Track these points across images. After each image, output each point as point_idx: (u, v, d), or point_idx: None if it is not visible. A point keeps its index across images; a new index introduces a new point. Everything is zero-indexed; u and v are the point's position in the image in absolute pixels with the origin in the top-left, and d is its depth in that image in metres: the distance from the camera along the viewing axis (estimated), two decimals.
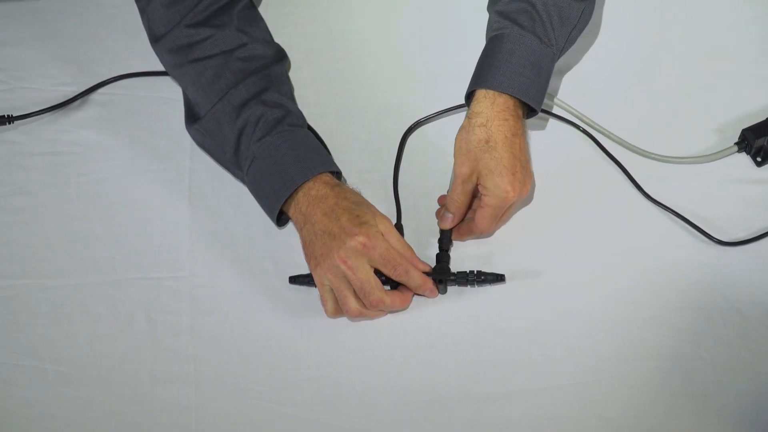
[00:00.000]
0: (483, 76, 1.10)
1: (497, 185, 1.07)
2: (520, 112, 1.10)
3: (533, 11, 1.10)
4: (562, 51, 1.14)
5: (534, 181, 1.14)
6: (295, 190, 1.08)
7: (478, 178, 1.08)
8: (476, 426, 1.04)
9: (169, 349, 1.09)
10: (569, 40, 1.15)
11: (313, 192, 1.08)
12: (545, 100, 1.23)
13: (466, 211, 1.12)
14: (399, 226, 1.14)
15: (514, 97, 1.09)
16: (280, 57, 1.18)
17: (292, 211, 1.09)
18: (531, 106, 1.10)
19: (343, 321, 1.10)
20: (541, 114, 1.22)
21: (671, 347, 1.07)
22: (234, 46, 1.14)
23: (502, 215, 1.11)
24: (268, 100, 1.12)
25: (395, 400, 1.06)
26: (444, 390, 1.06)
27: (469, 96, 1.11)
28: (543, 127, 1.22)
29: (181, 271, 1.14)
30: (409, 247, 1.08)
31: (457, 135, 1.09)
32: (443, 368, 1.07)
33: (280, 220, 1.12)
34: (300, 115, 1.14)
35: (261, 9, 1.24)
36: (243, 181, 1.13)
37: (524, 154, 1.10)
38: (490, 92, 1.08)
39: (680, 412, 1.04)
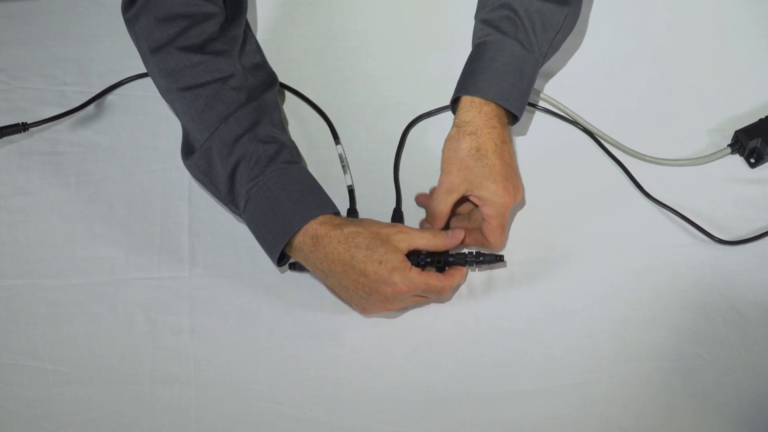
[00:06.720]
0: (466, 83, 1.10)
1: (493, 192, 1.06)
2: (506, 120, 1.10)
3: (516, 18, 1.10)
4: (546, 57, 1.14)
5: (523, 186, 1.13)
6: (294, 234, 1.04)
7: (469, 189, 1.07)
8: (476, 426, 1.04)
9: (169, 349, 1.09)
10: (552, 46, 1.14)
11: (320, 234, 1.03)
12: (544, 100, 1.23)
13: (447, 222, 1.10)
14: (399, 212, 1.14)
15: (500, 105, 1.08)
16: (271, 83, 1.15)
17: (297, 255, 1.06)
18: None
19: (342, 320, 1.10)
20: (543, 113, 1.22)
21: (671, 347, 1.07)
22: (225, 74, 1.09)
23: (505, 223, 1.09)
24: (261, 134, 1.08)
25: (395, 400, 1.06)
26: (444, 390, 1.06)
27: (454, 102, 1.11)
28: (542, 128, 1.22)
29: (181, 271, 1.14)
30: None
31: (444, 145, 1.09)
32: (443, 368, 1.07)
33: (282, 260, 1.09)
34: (293, 147, 1.11)
35: (261, 8, 1.24)
36: (240, 218, 1.10)
37: (513, 160, 1.10)
38: (477, 100, 1.08)
39: (680, 412, 1.04)
